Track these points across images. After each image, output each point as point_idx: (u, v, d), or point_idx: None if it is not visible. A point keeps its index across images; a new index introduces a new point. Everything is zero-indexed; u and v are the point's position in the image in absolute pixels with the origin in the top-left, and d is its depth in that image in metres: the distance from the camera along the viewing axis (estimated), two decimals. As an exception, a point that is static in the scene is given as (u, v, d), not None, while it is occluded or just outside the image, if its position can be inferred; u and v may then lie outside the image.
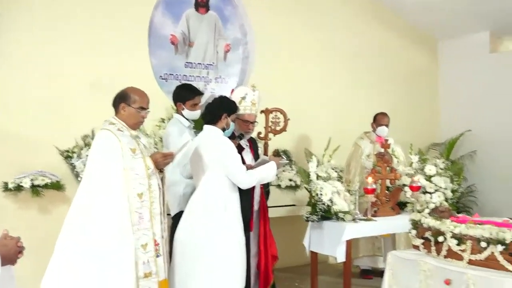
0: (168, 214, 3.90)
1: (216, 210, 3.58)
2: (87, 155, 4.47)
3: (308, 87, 6.56)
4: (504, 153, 6.74)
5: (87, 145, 4.97)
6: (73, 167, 4.99)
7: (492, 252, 3.16)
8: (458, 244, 3.35)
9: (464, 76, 7.46)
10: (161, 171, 3.34)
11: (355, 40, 7.04)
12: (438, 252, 3.50)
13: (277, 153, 4.65)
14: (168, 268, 3.43)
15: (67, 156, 5.03)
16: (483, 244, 3.20)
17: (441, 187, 4.86)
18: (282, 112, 4.81)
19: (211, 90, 6.02)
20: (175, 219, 3.94)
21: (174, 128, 4.18)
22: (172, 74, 5.82)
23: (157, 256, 3.22)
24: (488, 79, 7.11)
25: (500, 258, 3.12)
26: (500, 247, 3.11)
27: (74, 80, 5.15)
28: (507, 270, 3.09)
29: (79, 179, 4.82)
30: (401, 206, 4.92)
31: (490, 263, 3.18)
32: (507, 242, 3.08)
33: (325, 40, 6.80)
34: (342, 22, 6.97)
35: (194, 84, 4.96)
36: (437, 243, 3.50)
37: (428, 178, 4.91)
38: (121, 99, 3.28)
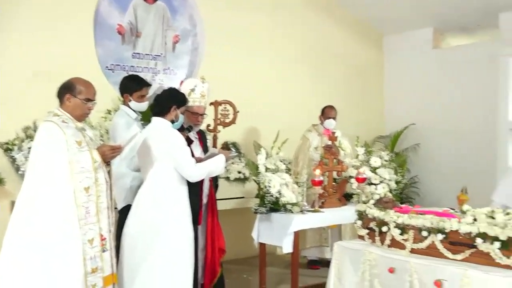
0: (115, 208, 3.83)
1: (165, 203, 3.55)
2: (29, 148, 4.32)
3: (257, 80, 6.59)
4: (445, 146, 7.01)
5: (29, 137, 4.79)
6: (13, 160, 4.80)
7: (433, 241, 3.29)
8: (401, 234, 3.46)
9: (409, 71, 7.69)
10: (108, 164, 3.27)
11: (305, 33, 7.12)
12: (382, 241, 3.60)
13: (226, 146, 4.63)
14: (116, 262, 3.37)
15: (7, 148, 4.84)
16: (425, 233, 3.32)
17: (385, 179, 5.00)
18: (231, 104, 4.80)
19: (159, 82, 5.93)
20: (122, 213, 3.87)
21: (121, 120, 4.09)
22: (119, 65, 5.69)
23: (103, 251, 3.16)
24: (431, 74, 7.36)
25: (440, 246, 3.25)
26: (440, 236, 3.24)
27: (15, 70, 4.95)
28: (446, 257, 3.22)
29: (19, 172, 4.65)
30: (347, 198, 5.03)
31: (431, 251, 3.30)
32: (447, 231, 3.21)
33: (275, 33, 6.85)
34: (293, 15, 7.03)
35: (142, 75, 4.88)
36: (381, 233, 3.60)
37: (373, 170, 5.04)
38: (66, 90, 3.18)
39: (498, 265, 2.99)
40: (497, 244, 2.98)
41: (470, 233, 3.10)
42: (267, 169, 4.48)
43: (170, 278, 3.50)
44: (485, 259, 3.05)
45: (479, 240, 3.06)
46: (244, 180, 5.93)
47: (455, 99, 7.01)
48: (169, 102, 3.74)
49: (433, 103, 7.29)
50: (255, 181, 4.67)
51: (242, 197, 5.92)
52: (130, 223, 3.58)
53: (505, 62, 6.21)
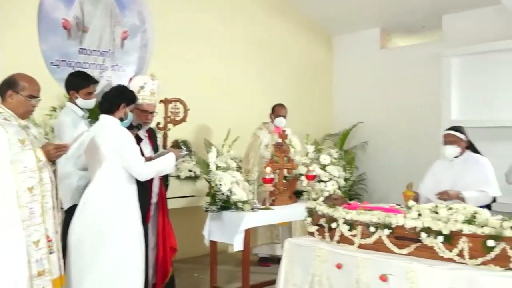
0: (61, 208, 3.73)
1: (113, 202, 3.47)
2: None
3: (208, 78, 6.55)
4: (392, 143, 7.20)
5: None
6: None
7: (380, 236, 3.37)
8: (349, 230, 3.53)
9: (357, 71, 7.85)
10: (53, 163, 3.17)
11: (256, 32, 7.15)
12: (332, 237, 3.66)
13: (176, 144, 4.59)
14: (63, 264, 3.28)
15: None
16: (372, 229, 3.41)
17: (334, 176, 5.08)
18: (181, 102, 4.76)
19: (107, 79, 5.80)
20: (69, 213, 3.76)
21: (67, 117, 3.97)
22: (65, 61, 5.52)
23: (50, 252, 3.06)
24: (379, 74, 7.54)
25: (386, 241, 3.34)
26: (387, 231, 3.33)
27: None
28: (393, 252, 3.31)
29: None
30: (298, 195, 5.08)
31: (378, 246, 3.39)
32: (393, 226, 3.30)
33: (227, 31, 6.83)
34: (243, 14, 7.03)
35: (89, 71, 4.76)
36: (330, 229, 3.66)
37: (323, 167, 5.11)
38: (9, 86, 3.06)
39: (442, 258, 3.10)
40: (440, 238, 3.09)
41: (415, 228, 3.20)
42: (218, 167, 4.47)
43: (120, 278, 3.44)
44: (429, 253, 3.16)
45: (423, 235, 3.16)
46: (195, 178, 5.89)
47: (401, 97, 7.21)
48: (118, 99, 3.66)
49: (381, 102, 7.47)
50: (206, 179, 4.65)
51: (193, 196, 5.88)
52: (76, 222, 3.48)
53: (447, 62, 6.44)
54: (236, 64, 6.90)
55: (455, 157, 4.35)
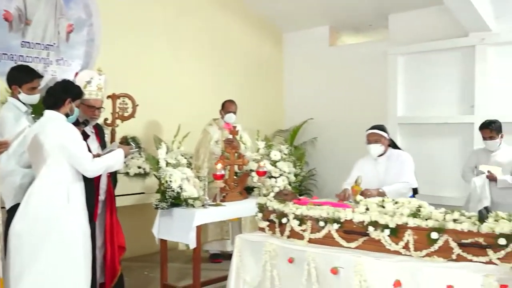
0: (3, 207, 3.58)
1: (58, 201, 3.37)
2: None
3: (158, 73, 6.46)
4: (341, 139, 7.33)
5: None
6: None
7: (329, 231, 3.43)
8: (299, 225, 3.57)
9: (307, 68, 7.94)
10: (-7, 160, 3.04)
11: (206, 28, 7.10)
12: (282, 233, 3.70)
13: (125, 140, 4.50)
14: (4, 265, 3.15)
15: None
16: (321, 224, 3.46)
17: (285, 172, 5.13)
18: (130, 97, 4.67)
19: (52, 73, 5.61)
20: (11, 212, 3.61)
21: (9, 113, 3.81)
22: (6, 54, 5.30)
23: (-10, 254, 2.94)
24: (328, 71, 7.66)
25: (335, 235, 3.40)
26: (336, 226, 3.39)
27: None
28: (342, 246, 3.38)
29: None
30: (249, 191, 5.09)
31: (327, 240, 3.45)
32: (342, 220, 3.36)
33: (176, 27, 6.75)
34: (193, 9, 6.96)
35: (33, 65, 4.58)
36: (281, 224, 3.70)
37: (274, 163, 5.15)
38: None
39: (388, 251, 3.19)
40: (387, 232, 3.18)
41: (363, 222, 3.28)
42: (168, 164, 4.41)
43: (63, 279, 3.33)
44: (377, 246, 3.24)
45: (371, 228, 3.25)
46: (144, 175, 5.79)
47: (350, 94, 7.36)
48: (63, 94, 3.55)
49: (330, 99, 7.59)
50: (155, 176, 4.58)
51: (143, 193, 5.79)
52: (17, 222, 3.34)
53: (393, 60, 6.61)
54: (186, 60, 6.84)
55: (379, 155, 4.47)
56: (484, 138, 4.93)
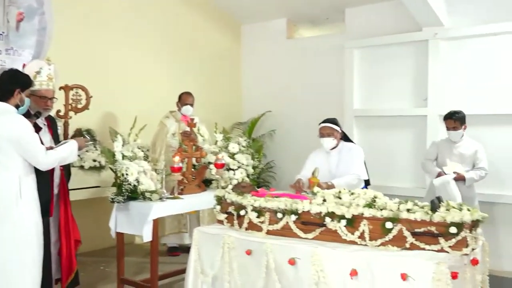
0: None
1: (8, 196, 3.26)
2: None
3: (113, 64, 6.32)
4: (299, 132, 7.39)
5: None
6: None
7: (287, 222, 3.46)
8: (258, 217, 3.59)
9: (265, 60, 7.95)
10: None
11: (164, 19, 6.99)
12: (240, 225, 3.70)
13: (79, 133, 4.40)
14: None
15: None
16: (279, 215, 3.49)
17: (243, 164, 5.13)
18: (83, 89, 4.56)
19: (1, 63, 5.39)
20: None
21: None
22: (-49, 43, 5.07)
23: None
24: (286, 64, 7.69)
25: (293, 226, 3.43)
26: (293, 217, 3.42)
27: None
28: (299, 237, 3.41)
29: None
30: (207, 183, 5.08)
31: (285, 231, 3.48)
32: (299, 212, 3.40)
33: (133, 17, 6.61)
34: (152, 0, 6.84)
35: (-20, 55, 4.40)
36: (239, 216, 3.70)
37: (232, 155, 5.14)
38: None
39: (344, 241, 3.24)
40: (343, 222, 3.23)
41: (320, 213, 3.32)
42: (124, 157, 4.34)
43: (13, 275, 3.23)
44: (333, 236, 3.29)
45: (327, 219, 3.29)
46: (99, 168, 5.68)
47: (307, 87, 7.41)
48: (11, 85, 3.42)
49: (288, 91, 7.63)
50: (111, 169, 4.50)
51: (98, 187, 5.67)
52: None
53: (349, 53, 6.70)
54: (143, 51, 6.72)
55: (332, 148, 4.53)
56: (448, 129, 5.02)
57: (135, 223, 4.22)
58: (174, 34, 7.12)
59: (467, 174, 4.87)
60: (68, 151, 3.60)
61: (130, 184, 4.23)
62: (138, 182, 4.27)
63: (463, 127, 4.97)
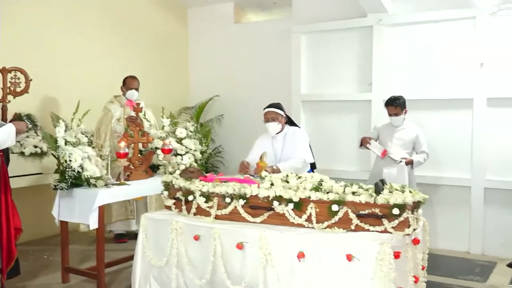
0: None
1: None
2: None
3: (55, 47, 6.07)
4: (247, 116, 7.39)
5: None
6: None
7: (235, 206, 3.48)
8: (206, 202, 3.58)
9: (212, 44, 7.87)
10: None
11: (108, 1, 6.76)
12: (188, 210, 3.69)
13: (18, 117, 4.21)
14: None
15: None
16: (228, 200, 3.50)
17: (191, 149, 5.09)
18: (22, 71, 4.38)
19: None
20: None
21: None
22: None
23: None
24: (233, 48, 7.64)
25: (241, 211, 3.45)
26: (242, 201, 3.44)
27: None
28: (247, 221, 3.44)
29: None
30: (154, 169, 5.02)
31: (234, 216, 3.49)
32: (248, 196, 3.42)
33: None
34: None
35: None
36: (187, 202, 3.69)
37: (179, 140, 5.09)
38: None
39: (292, 224, 3.29)
40: (290, 206, 3.28)
41: (268, 196, 3.35)
42: (67, 143, 4.21)
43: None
44: (281, 220, 3.34)
45: (275, 203, 3.33)
46: (41, 155, 5.48)
47: (255, 72, 7.41)
48: None
49: (236, 76, 7.60)
50: (54, 155, 4.37)
51: (40, 173, 5.49)
52: None
53: (296, 38, 6.74)
54: (86, 34, 6.48)
55: (277, 133, 4.58)
56: (390, 115, 5.16)
57: (80, 210, 4.14)
58: (118, 16, 6.92)
59: (415, 158, 5.05)
60: (5, 135, 3.45)
61: (74, 171, 4.13)
62: (82, 168, 4.17)
63: (404, 111, 5.12)
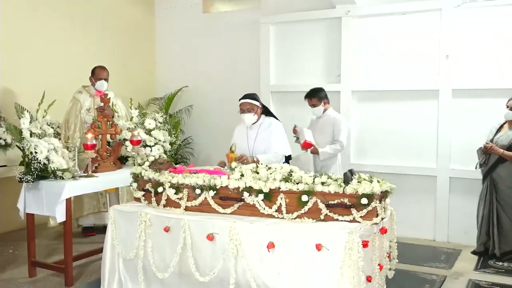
0: None
1: None
2: None
3: (17, 35, 5.91)
4: (216, 107, 7.37)
5: None
6: None
7: (205, 198, 3.47)
8: (176, 193, 3.57)
9: (180, 34, 7.79)
10: None
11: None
12: (158, 202, 3.66)
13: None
14: None
15: None
16: (198, 191, 3.49)
17: (160, 140, 5.06)
18: (-16, 61, 4.24)
19: None
20: None
21: None
22: None
23: None
24: (202, 38, 7.58)
25: (212, 202, 3.45)
26: (212, 193, 3.44)
27: None
28: (217, 212, 3.44)
29: None
30: (123, 161, 4.96)
31: (204, 207, 3.49)
32: (218, 187, 3.42)
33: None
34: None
35: None
36: (157, 194, 3.66)
37: (148, 132, 5.05)
38: None
39: (262, 215, 3.31)
40: (261, 196, 3.29)
41: (238, 187, 3.36)
42: (32, 134, 4.13)
43: None
44: (251, 211, 3.35)
45: (246, 194, 3.34)
46: (5, 146, 5.35)
47: (224, 62, 7.37)
48: None
49: (205, 66, 7.55)
50: (18, 147, 4.27)
51: (4, 166, 5.36)
52: None
53: (265, 29, 6.73)
54: (51, 22, 6.32)
55: (253, 123, 4.59)
56: (310, 106, 5.29)
57: (47, 203, 4.07)
58: (84, 5, 6.76)
59: (320, 149, 5.10)
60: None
61: (39, 163, 4.05)
62: (48, 160, 4.09)
63: (322, 103, 5.22)
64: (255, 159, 4.25)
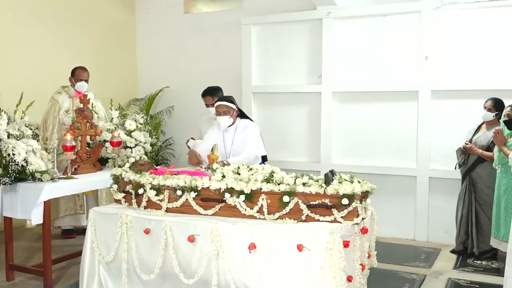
0: None
1: None
2: None
3: (-5, 35, 5.83)
4: (197, 108, 7.26)
5: None
6: None
7: (187, 199, 3.46)
8: (156, 195, 3.54)
9: (161, 35, 7.74)
10: None
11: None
12: (139, 204, 3.64)
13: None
14: None
15: None
16: (179, 192, 3.47)
17: (141, 141, 5.02)
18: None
19: None
20: None
21: None
22: None
23: None
24: (184, 38, 7.54)
25: (193, 203, 3.44)
26: (193, 194, 3.42)
27: None
28: (199, 213, 3.43)
29: None
30: (103, 162, 4.91)
31: (185, 209, 3.48)
32: (199, 188, 3.41)
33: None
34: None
35: None
36: (137, 195, 3.64)
37: (129, 133, 5.01)
38: None
39: (244, 216, 3.31)
40: (242, 197, 3.29)
41: (219, 189, 3.35)
42: (10, 135, 4.06)
43: None
44: (233, 212, 3.35)
45: (227, 195, 3.33)
46: (-18, 148, 5.25)
47: (205, 63, 7.35)
48: None
49: (186, 67, 7.51)
50: (-5, 149, 4.19)
51: (-19, 168, 5.26)
52: None
53: (247, 30, 6.72)
54: (30, 22, 6.23)
55: (229, 126, 4.57)
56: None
57: (25, 205, 4.01)
58: (64, 5, 6.68)
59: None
60: None
61: (17, 165, 3.99)
62: (26, 162, 4.04)
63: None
64: (225, 162, 4.21)
